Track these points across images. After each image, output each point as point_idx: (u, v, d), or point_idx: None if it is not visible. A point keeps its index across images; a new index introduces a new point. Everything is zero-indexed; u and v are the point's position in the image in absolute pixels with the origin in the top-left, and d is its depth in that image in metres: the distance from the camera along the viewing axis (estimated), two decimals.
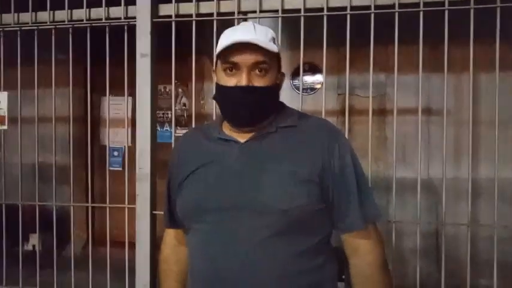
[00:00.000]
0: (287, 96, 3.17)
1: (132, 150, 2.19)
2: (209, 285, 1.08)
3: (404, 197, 2.74)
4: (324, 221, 1.11)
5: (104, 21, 2.15)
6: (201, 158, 1.13)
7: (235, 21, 2.00)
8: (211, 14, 2.05)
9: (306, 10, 1.96)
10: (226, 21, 1.98)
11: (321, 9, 1.94)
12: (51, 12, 2.22)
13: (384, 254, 1.12)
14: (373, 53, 1.93)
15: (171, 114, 2.26)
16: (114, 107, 3.66)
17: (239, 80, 1.06)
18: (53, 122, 2.30)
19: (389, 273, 1.14)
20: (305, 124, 1.14)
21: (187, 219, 1.14)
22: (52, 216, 2.30)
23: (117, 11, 2.14)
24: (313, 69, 3.15)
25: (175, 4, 2.07)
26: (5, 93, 2.38)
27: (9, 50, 2.35)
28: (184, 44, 2.12)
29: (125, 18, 2.12)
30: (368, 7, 1.91)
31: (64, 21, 2.20)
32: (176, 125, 3.88)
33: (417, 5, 1.87)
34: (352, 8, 1.92)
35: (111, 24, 2.15)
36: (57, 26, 2.22)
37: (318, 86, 3.19)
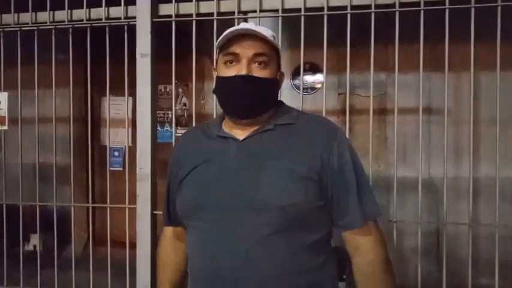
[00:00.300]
0: (287, 95, 3.19)
1: (132, 150, 2.19)
2: (209, 284, 1.08)
3: (405, 197, 2.74)
4: (323, 218, 1.11)
5: (104, 21, 2.15)
6: (200, 156, 1.14)
7: (236, 21, 2.00)
8: (211, 14, 2.05)
9: (306, 10, 1.96)
10: (227, 21, 1.98)
11: (321, 9, 1.94)
12: (51, 12, 2.22)
13: (385, 252, 1.12)
14: (373, 52, 1.93)
15: (172, 114, 2.26)
16: (114, 107, 3.67)
17: (239, 70, 1.07)
18: (53, 122, 2.30)
19: (393, 271, 1.13)
20: (303, 122, 1.14)
21: (186, 217, 1.15)
22: (53, 217, 2.30)
23: (117, 11, 2.14)
24: (314, 68, 3.15)
25: (175, 4, 2.07)
26: (5, 94, 2.38)
27: (9, 50, 2.35)
28: (184, 44, 2.12)
29: (125, 18, 2.12)
30: (368, 6, 1.90)
31: (64, 22, 2.20)
32: (176, 125, 3.87)
33: (418, 4, 1.86)
34: (353, 7, 1.91)
35: (111, 24, 2.15)
36: (57, 26, 2.22)
37: (319, 86, 3.19)
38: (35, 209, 2.32)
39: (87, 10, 2.17)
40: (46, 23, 2.22)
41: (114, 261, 2.19)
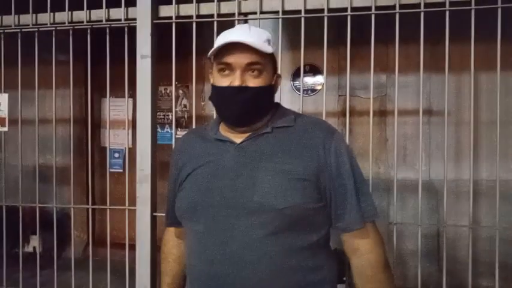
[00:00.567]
0: (288, 97, 3.19)
1: (132, 151, 2.19)
2: (206, 285, 1.08)
3: (405, 199, 2.74)
4: (321, 220, 1.11)
5: (104, 22, 2.14)
6: (198, 159, 1.15)
7: (236, 22, 2.00)
8: (211, 16, 2.05)
9: (307, 11, 1.96)
10: (227, 23, 1.98)
11: (322, 10, 1.94)
12: (52, 14, 2.22)
13: (384, 253, 1.12)
14: (373, 54, 1.92)
15: (172, 115, 2.26)
16: (114, 108, 3.67)
17: (233, 80, 1.08)
18: (54, 123, 2.30)
19: (391, 272, 1.14)
20: (301, 124, 1.15)
21: (184, 219, 1.17)
22: (52, 218, 2.29)
23: (117, 13, 2.14)
24: (314, 70, 3.15)
25: (176, 5, 2.07)
26: (6, 95, 2.38)
27: (10, 51, 2.35)
28: (185, 45, 2.12)
29: (125, 19, 2.12)
30: (369, 8, 1.90)
31: (64, 23, 2.20)
32: (177, 127, 3.88)
33: (418, 5, 1.86)
34: (353, 9, 1.91)
35: (112, 25, 2.15)
36: (58, 28, 2.22)
37: (319, 87, 3.19)
38: (35, 211, 2.32)
39: (88, 12, 2.17)
40: (46, 24, 2.22)
41: (114, 263, 2.18)
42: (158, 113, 3.15)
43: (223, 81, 1.09)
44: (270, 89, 1.14)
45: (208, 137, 1.18)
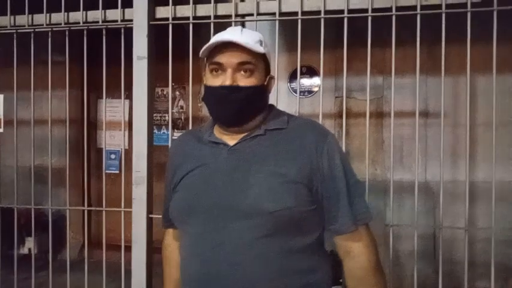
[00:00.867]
0: (285, 99, 3.19)
1: (129, 153, 2.18)
2: (200, 286, 1.08)
3: (401, 200, 2.74)
4: (315, 222, 1.11)
5: (100, 23, 2.14)
6: (192, 162, 1.15)
7: (233, 24, 2.00)
8: (208, 17, 2.05)
9: (303, 13, 1.96)
10: (224, 24, 1.98)
11: (318, 12, 1.94)
12: (48, 14, 2.21)
13: (377, 256, 1.12)
14: (370, 55, 1.93)
15: (168, 116, 2.26)
16: (111, 109, 3.65)
17: (224, 80, 1.08)
18: (49, 124, 2.29)
19: (383, 275, 1.13)
20: (294, 126, 1.15)
21: (178, 222, 1.17)
22: (48, 220, 2.28)
23: (114, 14, 2.13)
24: (311, 72, 3.16)
25: (172, 7, 2.07)
26: (1, 96, 2.37)
27: (5, 52, 2.34)
28: (181, 46, 2.12)
29: (121, 20, 2.11)
30: (365, 10, 1.91)
31: (61, 24, 2.19)
32: (173, 128, 3.87)
33: (414, 8, 1.87)
34: (350, 11, 1.92)
35: (108, 26, 2.14)
36: (54, 29, 2.22)
37: (316, 89, 3.19)
38: (30, 212, 2.31)
39: (84, 13, 2.16)
40: (43, 25, 2.22)
41: (110, 265, 2.18)
42: (155, 114, 3.14)
43: (214, 81, 1.10)
44: (262, 89, 1.14)
45: (203, 139, 1.18)
